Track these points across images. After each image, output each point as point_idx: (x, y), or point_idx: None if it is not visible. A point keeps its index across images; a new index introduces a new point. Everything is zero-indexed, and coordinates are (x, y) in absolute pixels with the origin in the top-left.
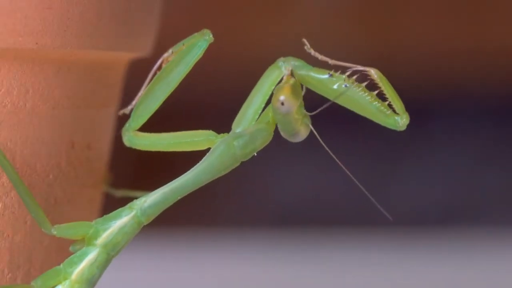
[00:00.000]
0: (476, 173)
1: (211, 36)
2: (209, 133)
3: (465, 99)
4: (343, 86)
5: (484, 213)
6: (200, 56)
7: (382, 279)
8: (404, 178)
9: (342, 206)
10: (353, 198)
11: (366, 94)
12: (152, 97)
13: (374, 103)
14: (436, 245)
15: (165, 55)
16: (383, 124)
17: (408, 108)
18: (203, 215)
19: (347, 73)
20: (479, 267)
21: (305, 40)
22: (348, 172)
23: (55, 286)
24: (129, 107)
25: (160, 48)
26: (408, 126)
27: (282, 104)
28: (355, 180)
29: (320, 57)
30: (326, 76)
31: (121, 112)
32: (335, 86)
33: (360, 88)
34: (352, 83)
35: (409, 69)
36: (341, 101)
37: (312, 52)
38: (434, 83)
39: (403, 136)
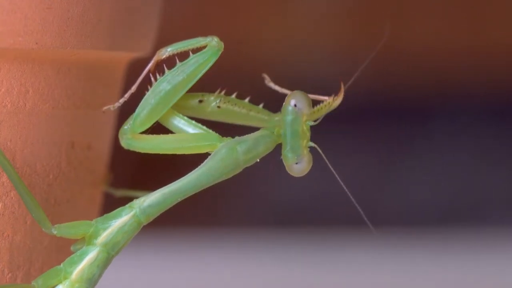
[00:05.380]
0: (477, 173)
1: (222, 45)
2: (211, 137)
3: (466, 98)
4: (216, 107)
5: (485, 213)
6: (210, 65)
7: (382, 279)
8: (404, 178)
9: (342, 206)
10: (353, 198)
11: (241, 107)
12: (157, 105)
13: (250, 113)
14: (437, 245)
15: (162, 53)
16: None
17: (408, 107)
18: (203, 215)
19: (217, 92)
20: (481, 267)
21: (265, 75)
22: (340, 179)
23: (56, 285)
24: (116, 105)
25: (160, 48)
26: (408, 126)
27: (295, 105)
28: (343, 185)
29: (280, 90)
30: (196, 101)
31: (105, 108)
32: (208, 109)
33: (233, 103)
34: (224, 102)
35: (409, 69)
36: (219, 118)
37: (272, 85)
38: (434, 83)
39: (403, 136)
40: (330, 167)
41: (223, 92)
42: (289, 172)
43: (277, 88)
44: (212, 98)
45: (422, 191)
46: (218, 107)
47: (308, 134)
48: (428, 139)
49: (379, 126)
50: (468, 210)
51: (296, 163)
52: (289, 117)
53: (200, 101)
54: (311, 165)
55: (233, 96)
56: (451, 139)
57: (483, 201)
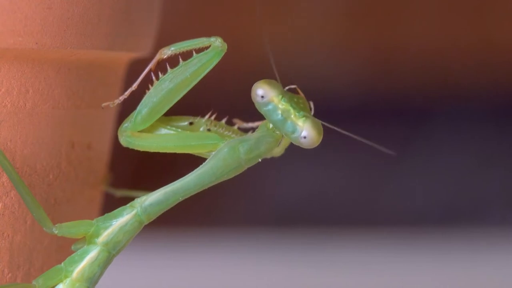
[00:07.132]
0: (477, 173)
1: (225, 46)
2: (212, 136)
3: (466, 98)
4: (206, 130)
5: (485, 213)
6: (213, 66)
7: (382, 279)
8: (404, 178)
9: (342, 206)
10: (353, 198)
11: (230, 131)
12: (159, 103)
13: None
14: (437, 245)
15: (165, 52)
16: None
17: (408, 107)
18: (203, 215)
19: (207, 116)
20: (481, 267)
21: (235, 120)
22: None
23: (56, 284)
24: (116, 101)
25: (160, 48)
26: (408, 126)
27: (262, 96)
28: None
29: (253, 124)
30: (186, 123)
31: (104, 104)
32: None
33: (223, 127)
34: (215, 125)
35: (409, 69)
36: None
37: (245, 125)
38: (434, 83)
39: (403, 136)
40: (339, 130)
41: (213, 117)
42: (306, 148)
43: (250, 125)
44: (203, 121)
45: (422, 191)
46: (208, 129)
47: (291, 107)
48: (428, 139)
49: (379, 126)
50: (468, 210)
51: (304, 138)
52: (264, 110)
53: (191, 123)
54: (319, 129)
55: (223, 121)
56: (451, 139)
57: (483, 201)
